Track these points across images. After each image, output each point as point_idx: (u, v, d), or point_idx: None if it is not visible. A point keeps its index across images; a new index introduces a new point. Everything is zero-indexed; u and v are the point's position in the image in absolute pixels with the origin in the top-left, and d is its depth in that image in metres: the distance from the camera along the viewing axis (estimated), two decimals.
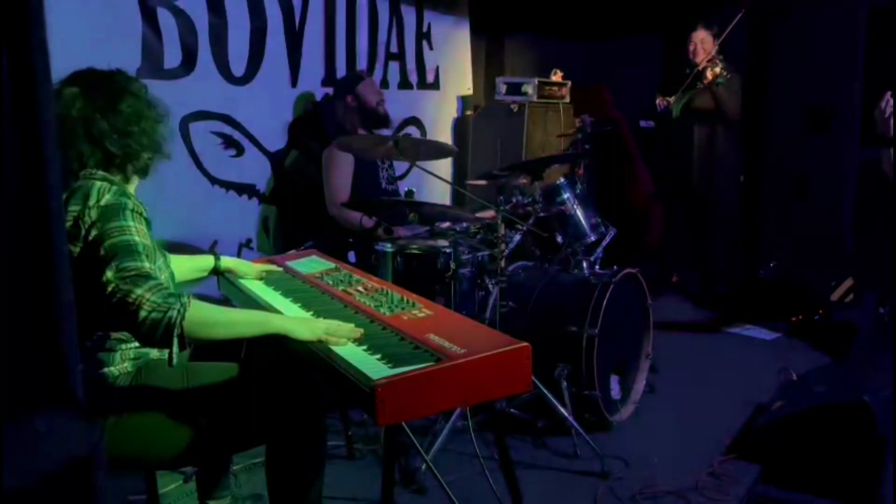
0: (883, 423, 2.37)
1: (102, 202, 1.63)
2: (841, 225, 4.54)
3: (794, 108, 4.72)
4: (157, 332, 1.51)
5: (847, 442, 2.41)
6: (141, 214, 1.68)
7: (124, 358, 1.73)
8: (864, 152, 4.51)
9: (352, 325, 1.70)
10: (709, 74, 4.31)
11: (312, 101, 4.04)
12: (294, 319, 1.75)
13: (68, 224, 1.59)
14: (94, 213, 1.61)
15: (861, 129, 4.47)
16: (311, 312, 1.93)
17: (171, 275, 1.90)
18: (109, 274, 1.53)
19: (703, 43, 4.45)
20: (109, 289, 1.52)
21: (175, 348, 1.51)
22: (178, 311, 1.51)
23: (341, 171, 3.51)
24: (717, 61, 4.34)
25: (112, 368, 1.71)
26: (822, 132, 4.62)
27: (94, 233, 1.59)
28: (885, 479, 2.41)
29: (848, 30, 4.43)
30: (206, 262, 2.23)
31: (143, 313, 1.49)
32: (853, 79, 4.42)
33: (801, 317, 4.25)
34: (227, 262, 2.27)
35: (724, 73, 4.29)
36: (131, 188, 1.79)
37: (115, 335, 1.71)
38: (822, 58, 4.57)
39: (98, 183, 1.67)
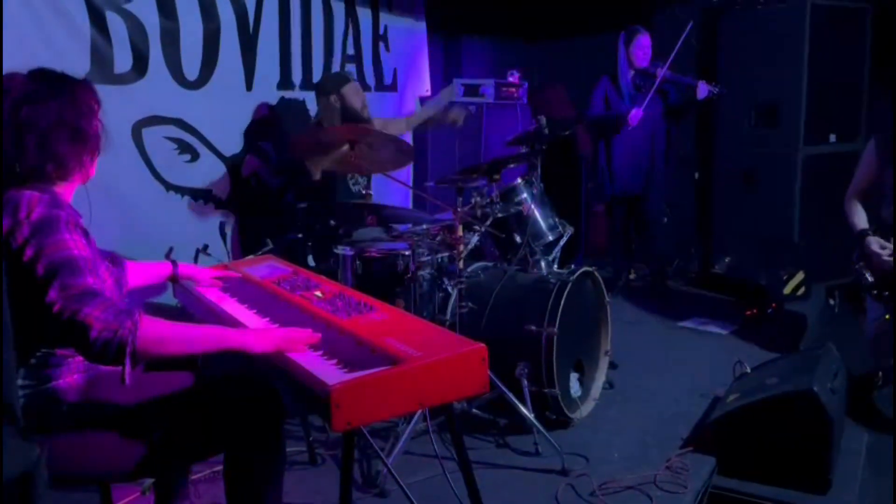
0: (830, 412, 2.44)
1: (34, 216, 1.55)
2: (789, 219, 4.66)
3: (743, 104, 4.84)
4: (109, 352, 1.46)
5: (798, 430, 2.48)
6: (77, 225, 1.61)
7: (73, 371, 1.69)
8: (811, 147, 4.65)
9: (309, 331, 1.69)
10: (703, 90, 4.40)
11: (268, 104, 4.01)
12: (251, 332, 1.72)
13: None
14: (26, 229, 1.54)
15: (807, 124, 4.59)
16: (268, 319, 1.91)
17: (117, 281, 1.84)
18: (53, 294, 1.48)
19: (649, 48, 4.54)
20: (56, 309, 1.47)
21: (127, 367, 1.47)
22: (130, 329, 1.47)
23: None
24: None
25: (60, 382, 1.66)
26: (770, 128, 4.74)
27: (29, 251, 1.52)
28: (836, 464, 2.49)
29: (793, 26, 4.54)
30: (164, 269, 2.21)
31: (93, 333, 1.45)
32: (799, 74, 4.53)
33: (754, 310, 4.35)
34: (185, 268, 2.25)
35: (720, 87, 4.42)
36: (65, 194, 1.71)
37: (60, 350, 1.67)
38: (768, 54, 4.69)
39: (28, 193, 1.59)
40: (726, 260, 4.98)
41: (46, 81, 1.68)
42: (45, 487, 0.67)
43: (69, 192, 1.74)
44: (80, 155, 1.71)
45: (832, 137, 4.80)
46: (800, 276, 4.59)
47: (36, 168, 1.64)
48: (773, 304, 4.33)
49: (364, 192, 3.03)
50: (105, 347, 1.46)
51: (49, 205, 1.59)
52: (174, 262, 2.23)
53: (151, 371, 1.89)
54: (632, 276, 5.21)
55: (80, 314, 1.46)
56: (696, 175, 5.46)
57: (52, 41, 3.01)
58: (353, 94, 3.64)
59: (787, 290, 4.54)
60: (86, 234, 1.64)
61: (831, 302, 4.28)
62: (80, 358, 1.69)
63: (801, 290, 4.58)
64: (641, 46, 4.50)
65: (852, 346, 3.29)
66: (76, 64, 3.06)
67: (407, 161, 3.20)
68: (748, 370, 3.04)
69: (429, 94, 5.31)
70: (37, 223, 1.55)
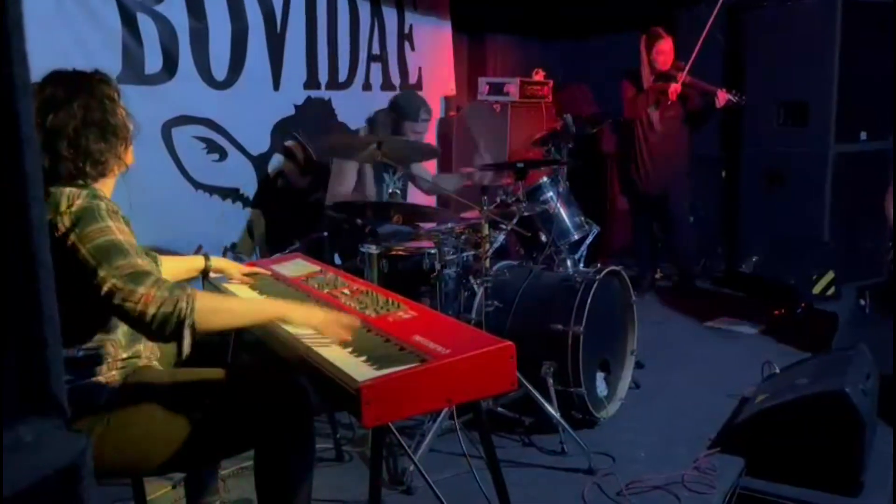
0: (862, 413, 2.41)
1: (75, 207, 1.58)
2: (819, 218, 4.59)
3: (770, 102, 4.77)
4: (168, 326, 1.50)
5: (829, 432, 2.45)
6: (118, 213, 1.65)
7: (112, 367, 1.72)
8: (841, 145, 4.57)
9: (351, 316, 1.71)
10: (721, 98, 4.37)
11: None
12: (293, 305, 1.74)
13: None
14: (67, 220, 1.57)
15: (837, 122, 4.52)
16: None
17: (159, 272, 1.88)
18: (102, 273, 1.50)
19: (671, 52, 4.52)
20: (106, 288, 1.49)
21: (187, 339, 1.51)
22: (187, 301, 1.51)
23: (341, 178, 3.56)
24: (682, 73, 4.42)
25: (100, 378, 1.69)
26: (799, 125, 4.67)
27: (71, 239, 1.55)
28: (868, 466, 2.45)
29: (823, 23, 4.47)
30: (197, 262, 2.24)
31: (151, 310, 1.48)
32: (829, 72, 4.46)
33: (783, 310, 4.29)
34: (217, 261, 2.28)
35: (740, 96, 4.40)
36: (104, 190, 1.74)
37: (99, 344, 1.70)
38: (797, 51, 4.62)
39: (68, 189, 1.63)
40: (753, 259, 4.92)
41: (62, 84, 1.69)
42: (92, 479, 0.68)
43: (108, 186, 1.78)
44: (114, 148, 1.73)
45: (863, 135, 4.71)
46: (830, 275, 4.52)
47: (75, 170, 1.67)
48: (803, 305, 4.27)
49: (395, 191, 3.05)
50: (164, 322, 1.49)
51: (88, 196, 1.63)
52: (206, 256, 2.26)
53: (183, 366, 1.92)
54: (658, 276, 5.17)
55: (136, 293, 1.49)
56: (723, 174, 5.40)
57: (83, 42, 3.06)
58: (409, 131, 3.68)
59: (816, 290, 4.47)
60: (127, 222, 1.67)
61: (862, 302, 4.21)
62: (121, 355, 1.73)
63: (831, 291, 4.51)
64: (662, 52, 4.51)
65: (884, 347, 3.23)
66: (108, 64, 3.10)
67: (431, 156, 3.24)
68: (777, 370, 3.00)
69: (453, 93, 5.31)
70: (78, 212, 1.58)
